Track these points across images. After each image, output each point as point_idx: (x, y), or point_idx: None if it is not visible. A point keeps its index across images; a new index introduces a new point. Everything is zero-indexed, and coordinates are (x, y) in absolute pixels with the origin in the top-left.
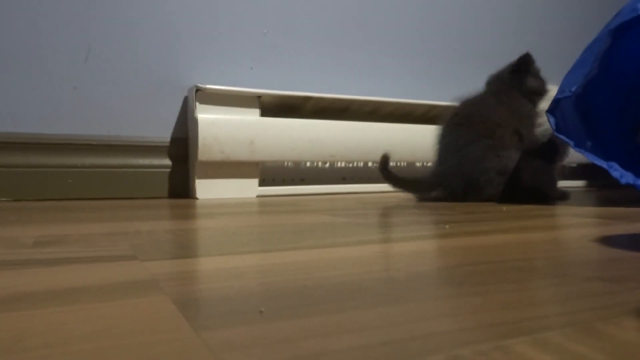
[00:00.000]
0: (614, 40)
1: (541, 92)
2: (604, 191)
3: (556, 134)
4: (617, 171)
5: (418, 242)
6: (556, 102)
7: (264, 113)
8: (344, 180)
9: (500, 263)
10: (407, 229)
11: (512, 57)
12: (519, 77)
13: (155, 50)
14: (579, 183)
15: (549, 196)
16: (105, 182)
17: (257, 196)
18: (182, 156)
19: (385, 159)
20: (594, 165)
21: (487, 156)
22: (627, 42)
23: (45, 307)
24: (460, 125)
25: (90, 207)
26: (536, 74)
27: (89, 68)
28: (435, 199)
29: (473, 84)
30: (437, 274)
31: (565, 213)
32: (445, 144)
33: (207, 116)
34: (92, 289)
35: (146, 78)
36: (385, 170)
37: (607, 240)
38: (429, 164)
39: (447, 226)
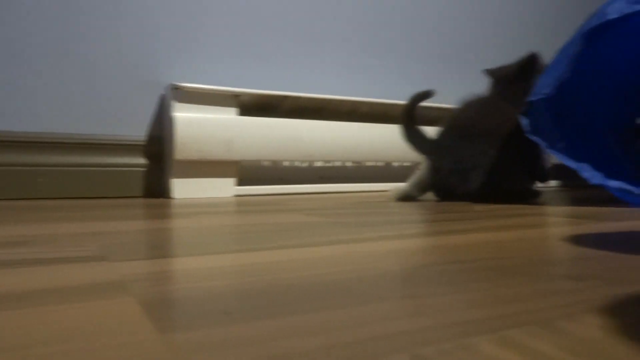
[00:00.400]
0: (588, 42)
1: None
2: (577, 191)
3: (529, 135)
4: (587, 172)
5: (393, 241)
6: (529, 104)
7: (243, 112)
8: (321, 179)
9: (470, 262)
10: (382, 228)
11: (495, 57)
12: (526, 77)
13: (131, 48)
14: (552, 183)
15: (524, 196)
16: (78, 181)
17: (235, 196)
18: (157, 155)
19: (419, 98)
20: (567, 166)
21: (489, 154)
22: (610, 42)
23: (6, 309)
24: (475, 115)
25: (62, 206)
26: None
27: (63, 64)
28: (408, 198)
29: (451, 84)
30: (408, 273)
31: (537, 212)
32: (454, 126)
33: (184, 115)
34: (56, 290)
35: (122, 75)
36: (409, 113)
37: (577, 239)
38: (406, 164)
39: (422, 225)
